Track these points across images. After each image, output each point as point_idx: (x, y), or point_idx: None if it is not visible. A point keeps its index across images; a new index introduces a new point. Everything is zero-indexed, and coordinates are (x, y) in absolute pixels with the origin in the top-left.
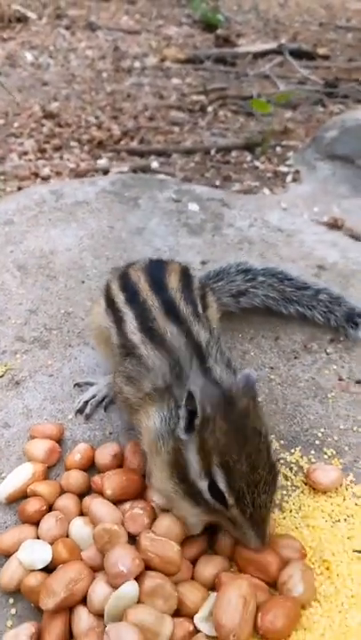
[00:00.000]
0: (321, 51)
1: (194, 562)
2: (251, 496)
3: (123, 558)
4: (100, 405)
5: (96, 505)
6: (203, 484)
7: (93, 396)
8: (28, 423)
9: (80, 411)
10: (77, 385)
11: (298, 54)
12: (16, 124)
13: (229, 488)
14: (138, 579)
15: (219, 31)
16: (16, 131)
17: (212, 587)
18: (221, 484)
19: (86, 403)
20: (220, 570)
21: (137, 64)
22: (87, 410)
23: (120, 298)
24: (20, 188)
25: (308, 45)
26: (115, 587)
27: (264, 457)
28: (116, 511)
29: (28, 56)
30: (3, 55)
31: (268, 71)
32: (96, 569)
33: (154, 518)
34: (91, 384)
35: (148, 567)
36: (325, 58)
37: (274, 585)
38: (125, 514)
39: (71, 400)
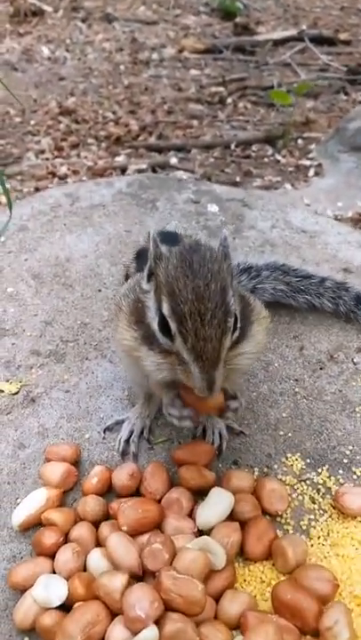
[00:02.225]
0: (343, 36)
1: (218, 597)
2: (193, 324)
3: (141, 601)
4: (141, 439)
5: (113, 541)
6: (155, 322)
7: (131, 432)
8: (44, 443)
9: (124, 453)
10: (107, 429)
11: (319, 40)
12: (33, 122)
13: (172, 312)
14: (158, 621)
15: (237, 19)
16: (33, 128)
17: (237, 626)
18: (165, 309)
19: (127, 442)
20: (247, 608)
21: (155, 55)
22: (132, 448)
23: None
24: (37, 189)
25: (330, 31)
26: (133, 632)
27: (214, 293)
28: (133, 548)
29: (45, 50)
30: (19, 50)
31: (289, 59)
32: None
33: (174, 552)
34: (121, 422)
35: (169, 607)
36: (347, 43)
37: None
38: (144, 549)
39: (89, 418)
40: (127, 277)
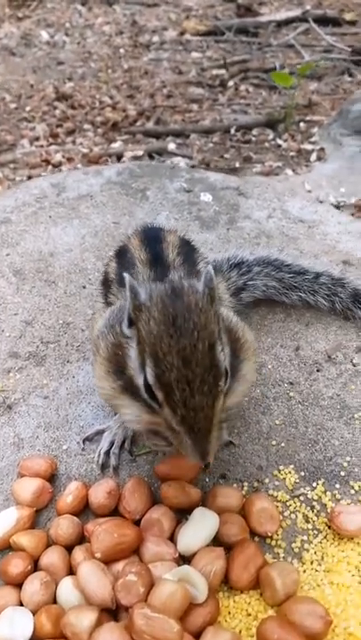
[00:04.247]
0: (348, 16)
1: (198, 634)
2: (181, 394)
3: None
4: (122, 451)
5: (85, 571)
6: (139, 379)
7: (112, 444)
8: (20, 455)
9: (104, 466)
10: (87, 439)
11: (323, 21)
12: (28, 108)
13: (157, 381)
14: None
15: (240, 0)
16: (28, 115)
17: None
18: (150, 376)
19: (107, 454)
20: None
21: (155, 38)
22: (112, 461)
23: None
24: (30, 177)
25: (334, 11)
26: None
27: (202, 354)
28: (106, 579)
29: (44, 35)
30: (18, 35)
31: (292, 40)
32: None
33: (151, 583)
34: (102, 431)
35: None
36: (352, 24)
37: None
38: (118, 581)
39: (68, 427)
40: (106, 281)
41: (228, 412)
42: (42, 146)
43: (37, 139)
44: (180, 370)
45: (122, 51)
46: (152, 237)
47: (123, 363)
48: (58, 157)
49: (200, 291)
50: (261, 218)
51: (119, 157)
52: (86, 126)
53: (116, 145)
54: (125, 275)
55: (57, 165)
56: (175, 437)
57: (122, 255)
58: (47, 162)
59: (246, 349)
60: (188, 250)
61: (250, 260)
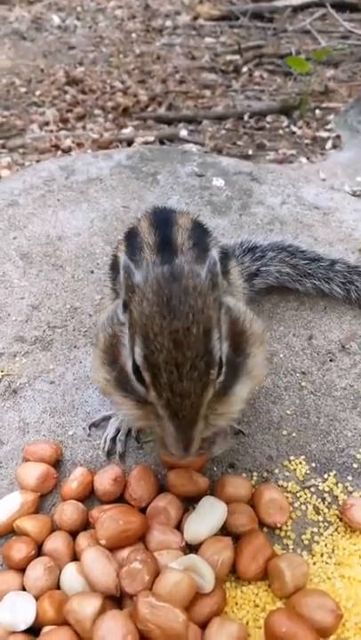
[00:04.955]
0: None
1: (204, 625)
2: (169, 376)
3: (113, 634)
4: (129, 437)
5: (89, 558)
6: (129, 365)
7: (118, 430)
8: (25, 440)
9: (110, 452)
10: (93, 425)
11: (341, 6)
12: (38, 92)
13: (145, 361)
14: None
15: None
16: (38, 99)
17: None
18: (138, 356)
19: (114, 440)
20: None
21: (168, 23)
22: (118, 448)
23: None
24: (39, 162)
25: None
26: None
27: (195, 338)
28: (111, 566)
29: (55, 19)
30: (28, 19)
31: (309, 26)
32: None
33: (156, 572)
34: (108, 417)
35: (147, 638)
36: None
37: None
38: (122, 568)
39: (74, 412)
40: (114, 265)
41: (231, 413)
42: (51, 131)
43: (47, 124)
44: (170, 352)
45: (134, 35)
46: (162, 220)
47: (117, 353)
48: (68, 143)
49: (202, 275)
50: (275, 204)
51: (130, 143)
52: (97, 111)
53: (127, 131)
54: (121, 255)
55: (67, 151)
56: (160, 426)
57: (131, 238)
58: (57, 147)
59: (252, 343)
60: (199, 233)
61: (264, 246)
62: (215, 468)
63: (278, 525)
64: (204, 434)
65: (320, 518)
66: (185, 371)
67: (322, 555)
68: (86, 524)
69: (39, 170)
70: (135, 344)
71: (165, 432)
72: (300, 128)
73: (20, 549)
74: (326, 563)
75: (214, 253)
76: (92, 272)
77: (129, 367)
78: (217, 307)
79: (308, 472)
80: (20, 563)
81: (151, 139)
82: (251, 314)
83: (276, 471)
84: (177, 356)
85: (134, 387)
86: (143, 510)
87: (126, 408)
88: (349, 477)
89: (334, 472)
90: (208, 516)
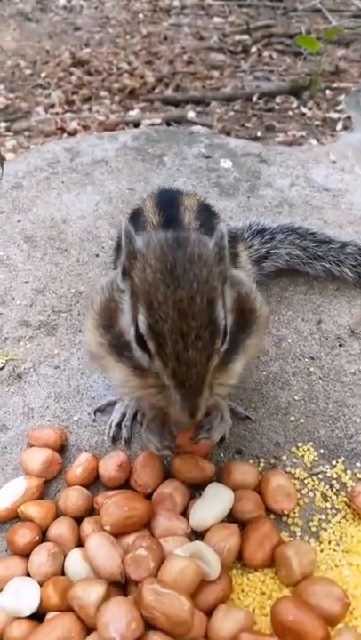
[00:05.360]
0: None
1: (210, 612)
2: (174, 346)
3: (117, 621)
4: (135, 423)
5: (94, 544)
6: (130, 333)
7: (123, 416)
8: (29, 425)
9: (115, 438)
10: (99, 410)
11: None
12: (43, 74)
13: (150, 331)
14: None
15: None
16: (43, 81)
17: None
18: (142, 324)
19: (119, 426)
20: (242, 628)
21: (176, 3)
22: (124, 433)
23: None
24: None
25: None
26: None
27: (200, 308)
28: (116, 552)
29: None
30: None
31: (319, 4)
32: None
33: (162, 558)
34: (113, 403)
35: (152, 626)
36: None
37: None
38: (127, 554)
39: (79, 397)
40: (119, 247)
41: (229, 384)
42: (57, 113)
43: (53, 106)
44: (176, 321)
45: (141, 16)
46: (167, 200)
47: (114, 318)
48: (73, 125)
49: (208, 245)
50: (284, 186)
51: (136, 125)
52: (103, 93)
53: (134, 113)
54: (122, 219)
55: (72, 133)
56: (164, 395)
57: (135, 218)
58: (62, 130)
59: (257, 323)
60: (206, 215)
61: (273, 228)
62: (222, 455)
63: (285, 512)
64: (209, 402)
65: (328, 505)
66: (190, 340)
67: (330, 542)
68: (91, 511)
69: (43, 152)
70: (138, 312)
71: (171, 401)
72: (309, 109)
73: (24, 535)
74: (334, 550)
75: (222, 226)
76: (98, 256)
77: (131, 335)
78: (222, 279)
79: (317, 458)
80: (24, 548)
81: (158, 121)
82: (260, 297)
83: (284, 458)
84: (182, 325)
85: (135, 355)
86: (149, 497)
87: (120, 374)
88: (358, 464)
89: (343, 459)
90: (214, 503)
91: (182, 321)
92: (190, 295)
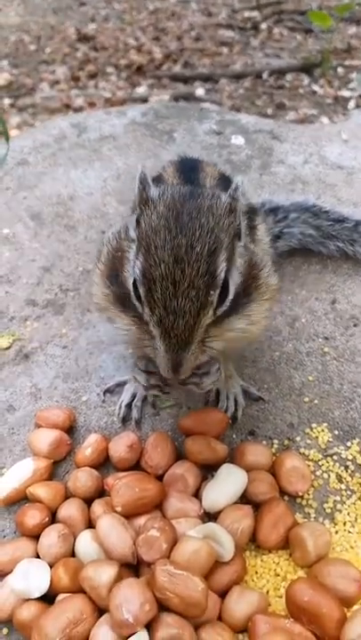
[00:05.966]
0: None
1: (224, 594)
2: (164, 292)
3: (130, 602)
4: (145, 403)
5: (105, 525)
6: (131, 279)
7: (134, 396)
8: (37, 406)
9: (125, 419)
10: (108, 391)
11: None
12: (48, 50)
13: (143, 275)
14: (150, 624)
15: None
16: (48, 57)
17: (244, 629)
18: (137, 269)
19: (129, 406)
20: (256, 609)
21: None
22: (134, 414)
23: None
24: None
25: None
26: (120, 637)
27: (198, 256)
28: (127, 533)
29: None
30: None
31: None
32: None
33: (174, 540)
34: (123, 383)
35: (165, 607)
36: None
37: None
38: (139, 536)
39: (87, 378)
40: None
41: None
42: (62, 90)
43: (58, 82)
44: (169, 266)
45: None
46: (189, 167)
47: (119, 267)
48: (79, 102)
49: (222, 198)
50: (297, 163)
51: (144, 102)
52: (109, 69)
53: (141, 89)
54: (139, 166)
55: (78, 110)
56: (152, 345)
57: (155, 183)
58: (68, 106)
59: (262, 292)
60: (226, 184)
61: (286, 206)
62: (234, 436)
63: (300, 494)
64: (199, 359)
65: (343, 487)
66: (182, 288)
67: (345, 523)
68: (101, 492)
69: (50, 127)
70: (138, 257)
71: (156, 352)
72: (321, 87)
73: (33, 516)
74: (349, 532)
75: (239, 179)
76: (105, 233)
77: (130, 282)
78: (231, 232)
79: (331, 440)
80: (33, 529)
81: (166, 98)
82: (272, 269)
83: (298, 439)
84: (175, 271)
85: (133, 303)
86: (160, 478)
87: (122, 324)
88: None
89: (358, 440)
90: (227, 484)
91: (177, 267)
92: (190, 243)
